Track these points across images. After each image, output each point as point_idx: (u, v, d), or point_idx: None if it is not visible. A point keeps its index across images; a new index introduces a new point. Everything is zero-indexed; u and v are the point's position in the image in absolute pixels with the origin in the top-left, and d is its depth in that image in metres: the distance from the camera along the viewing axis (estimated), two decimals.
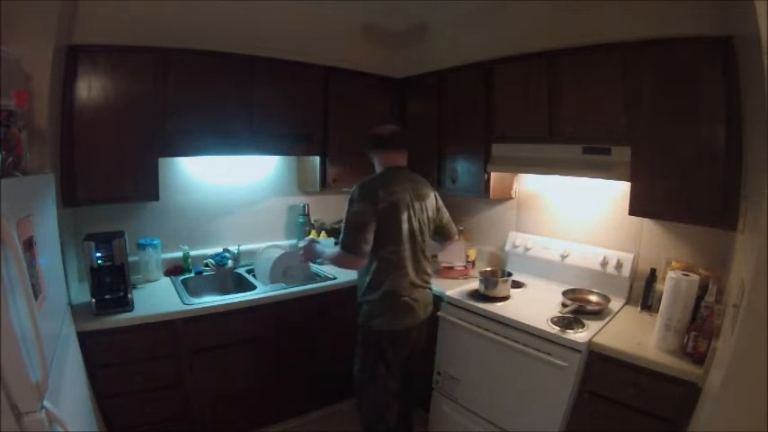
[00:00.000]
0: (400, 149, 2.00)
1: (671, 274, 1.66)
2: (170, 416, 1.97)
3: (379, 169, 2.01)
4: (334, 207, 3.07)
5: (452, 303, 2.19)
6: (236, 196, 2.67)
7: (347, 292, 2.42)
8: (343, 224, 1.87)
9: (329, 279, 2.45)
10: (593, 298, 2.09)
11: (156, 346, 1.90)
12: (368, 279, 1.89)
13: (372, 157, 2.03)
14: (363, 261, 1.85)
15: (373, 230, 1.81)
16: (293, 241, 2.88)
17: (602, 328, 1.81)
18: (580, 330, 1.79)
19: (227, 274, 2.50)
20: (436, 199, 2.08)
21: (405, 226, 1.87)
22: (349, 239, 1.81)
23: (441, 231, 2.11)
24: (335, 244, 2.32)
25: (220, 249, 2.56)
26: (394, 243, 1.86)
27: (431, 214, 2.01)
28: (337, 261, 1.92)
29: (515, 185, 2.60)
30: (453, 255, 2.54)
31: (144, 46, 2.01)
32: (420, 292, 1.94)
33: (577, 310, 1.94)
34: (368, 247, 1.81)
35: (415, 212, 1.91)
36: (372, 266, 1.87)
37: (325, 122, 2.61)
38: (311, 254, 2.12)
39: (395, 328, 1.88)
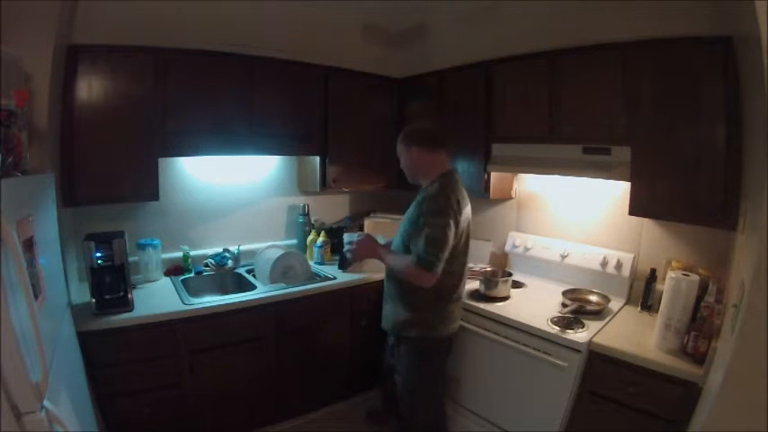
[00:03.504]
0: (446, 149, 1.90)
1: (671, 274, 1.66)
2: (170, 416, 1.97)
3: (417, 169, 1.89)
4: (334, 207, 3.08)
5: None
6: (236, 196, 2.67)
7: (347, 292, 2.43)
8: (425, 235, 1.69)
9: (329, 279, 2.45)
10: (593, 298, 2.09)
11: (156, 346, 1.90)
12: (434, 294, 1.80)
13: (416, 156, 1.86)
14: (435, 279, 1.71)
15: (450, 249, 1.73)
16: (293, 241, 2.88)
17: (602, 328, 1.81)
18: (580, 330, 1.79)
19: (227, 274, 2.50)
20: None
21: (469, 237, 1.89)
22: (432, 257, 1.68)
23: None
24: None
25: (220, 249, 2.56)
26: (463, 255, 1.86)
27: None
28: (408, 274, 1.76)
29: (515, 185, 2.60)
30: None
31: (144, 46, 2.01)
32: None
33: (577, 310, 1.94)
34: (442, 267, 1.71)
35: (470, 221, 1.90)
36: (443, 280, 1.77)
37: (325, 122, 2.61)
38: (366, 251, 1.99)
39: (452, 332, 1.94)
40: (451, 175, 1.86)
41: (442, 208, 1.72)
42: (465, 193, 1.87)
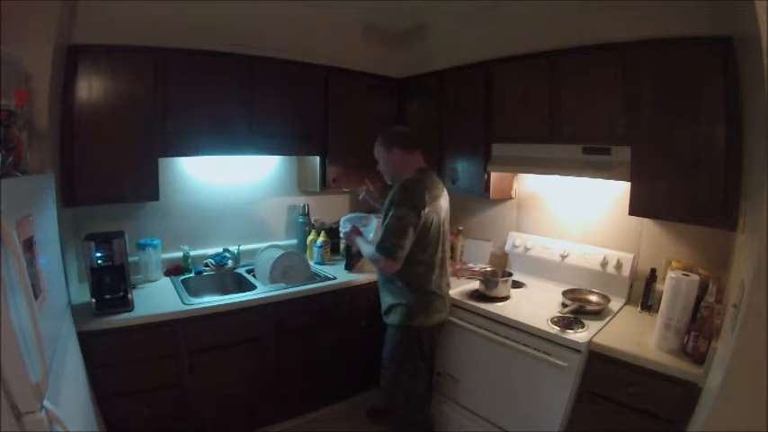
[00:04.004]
0: (421, 150, 2.03)
1: (671, 274, 1.66)
2: (170, 416, 1.97)
3: (398, 170, 1.98)
4: (334, 207, 3.08)
5: (452, 303, 2.19)
6: (236, 196, 2.67)
7: (347, 292, 2.43)
8: (383, 225, 1.85)
9: (329, 279, 2.45)
10: (593, 298, 2.09)
11: (156, 346, 1.90)
12: (406, 281, 1.91)
13: (397, 157, 1.97)
14: (398, 266, 1.83)
15: (413, 237, 1.82)
16: (293, 241, 2.88)
17: (602, 328, 1.81)
18: (580, 330, 1.79)
19: (227, 274, 2.50)
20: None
21: (443, 229, 1.95)
22: (388, 244, 1.81)
23: None
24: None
25: (220, 249, 2.56)
26: (435, 245, 1.92)
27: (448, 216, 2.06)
28: (372, 260, 1.93)
29: (515, 185, 2.60)
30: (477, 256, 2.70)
31: (144, 46, 2.01)
32: (448, 289, 2.09)
33: (577, 310, 1.94)
34: (404, 254, 1.81)
35: (447, 215, 2.01)
36: (414, 269, 1.89)
37: (325, 122, 2.61)
38: (349, 240, 2.16)
39: (433, 323, 1.97)
40: (425, 171, 1.98)
41: (402, 199, 1.83)
42: (440, 188, 1.98)
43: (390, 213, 1.83)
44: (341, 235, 2.24)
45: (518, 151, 2.28)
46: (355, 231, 2.13)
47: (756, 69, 1.18)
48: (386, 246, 1.81)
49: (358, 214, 2.39)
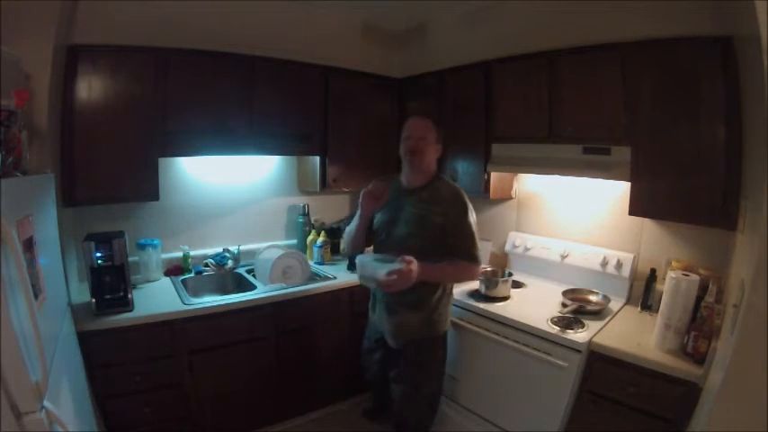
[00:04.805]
0: None
1: (671, 274, 1.66)
2: (170, 416, 1.97)
3: (433, 164, 1.93)
4: (334, 207, 3.08)
5: (452, 303, 2.19)
6: (237, 196, 2.67)
7: (347, 292, 2.43)
8: (467, 233, 1.80)
9: (329, 279, 2.45)
10: (593, 298, 2.09)
11: (156, 346, 1.90)
12: (442, 287, 1.88)
13: (436, 152, 1.92)
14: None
15: None
16: (293, 241, 2.88)
17: (602, 328, 1.81)
18: (580, 330, 1.79)
19: (227, 274, 2.50)
20: None
21: None
22: (479, 251, 1.83)
23: None
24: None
25: (220, 249, 2.56)
26: None
27: None
28: (464, 275, 1.87)
29: (515, 185, 2.60)
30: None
31: (144, 46, 2.01)
32: None
33: (577, 310, 1.94)
34: None
35: None
36: None
37: (325, 122, 2.61)
38: (410, 281, 1.66)
39: (450, 327, 2.00)
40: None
41: (469, 205, 1.85)
42: None
43: (466, 220, 1.81)
44: (372, 286, 1.84)
45: (518, 151, 2.28)
46: (410, 262, 1.65)
47: (756, 69, 1.18)
48: (479, 254, 1.83)
49: (379, 255, 1.90)
